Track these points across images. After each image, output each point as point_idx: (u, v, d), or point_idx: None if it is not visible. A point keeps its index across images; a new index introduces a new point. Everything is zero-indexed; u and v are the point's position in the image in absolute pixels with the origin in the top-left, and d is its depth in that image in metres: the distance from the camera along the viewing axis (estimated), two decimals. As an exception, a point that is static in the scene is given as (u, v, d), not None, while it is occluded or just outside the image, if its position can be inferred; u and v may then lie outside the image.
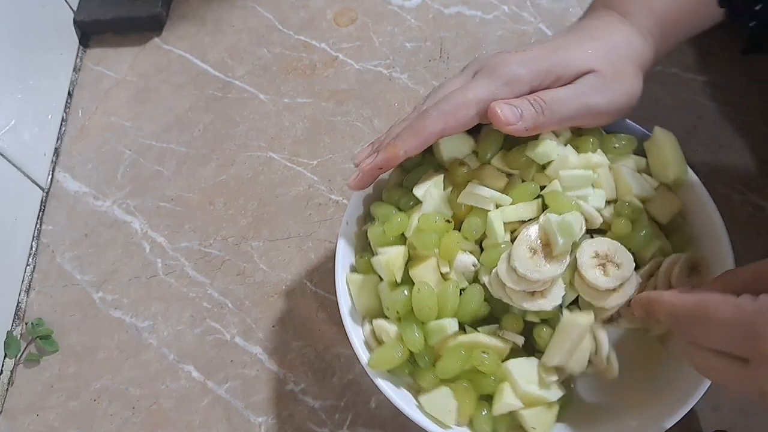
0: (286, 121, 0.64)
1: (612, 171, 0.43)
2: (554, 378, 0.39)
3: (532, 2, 0.66)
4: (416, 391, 0.42)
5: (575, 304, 0.40)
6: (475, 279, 0.41)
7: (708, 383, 0.37)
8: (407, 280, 0.42)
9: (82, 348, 0.55)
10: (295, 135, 0.63)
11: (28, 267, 0.59)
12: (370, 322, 0.43)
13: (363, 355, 0.42)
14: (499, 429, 0.40)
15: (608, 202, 0.42)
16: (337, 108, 0.63)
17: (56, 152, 0.66)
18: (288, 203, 0.59)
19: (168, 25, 0.72)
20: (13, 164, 0.59)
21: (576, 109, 0.40)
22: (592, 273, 0.38)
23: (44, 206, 0.63)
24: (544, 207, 0.42)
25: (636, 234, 0.40)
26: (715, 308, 0.30)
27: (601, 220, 0.40)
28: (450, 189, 0.43)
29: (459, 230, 0.41)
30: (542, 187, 0.42)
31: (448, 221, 0.41)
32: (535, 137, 0.42)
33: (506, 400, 0.38)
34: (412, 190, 0.43)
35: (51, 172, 0.64)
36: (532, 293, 0.38)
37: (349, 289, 0.44)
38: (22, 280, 0.59)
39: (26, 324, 0.57)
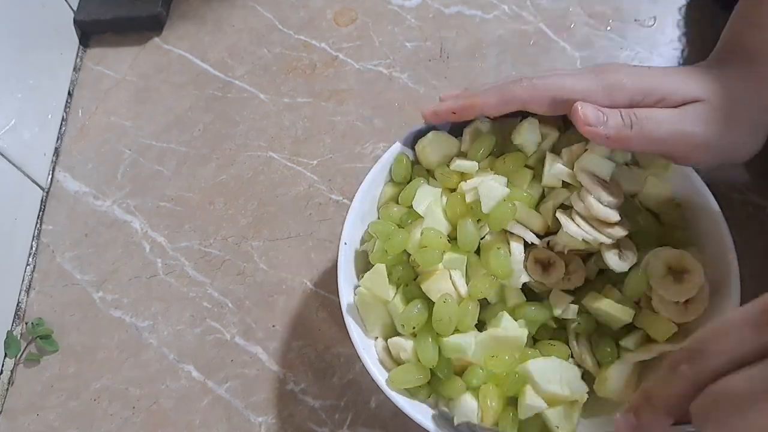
0: (286, 121, 0.64)
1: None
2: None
3: (532, 2, 0.66)
4: (435, 402, 0.42)
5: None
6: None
7: None
8: (419, 295, 0.42)
9: (82, 348, 0.55)
10: (295, 135, 0.63)
11: (28, 267, 0.59)
12: (384, 339, 0.43)
13: (380, 377, 0.41)
14: None
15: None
16: (337, 108, 0.63)
17: (56, 152, 0.66)
18: (288, 203, 0.59)
19: (168, 24, 0.72)
20: (13, 164, 0.59)
21: (669, 133, 0.37)
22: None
23: (44, 206, 0.63)
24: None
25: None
26: (720, 320, 0.28)
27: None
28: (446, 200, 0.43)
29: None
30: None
31: (450, 237, 0.42)
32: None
33: (529, 402, 0.38)
34: (411, 206, 0.43)
35: (51, 172, 0.64)
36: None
37: (357, 310, 0.44)
38: (22, 280, 0.59)
39: (26, 324, 0.57)
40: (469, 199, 0.42)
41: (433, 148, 0.44)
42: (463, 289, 0.41)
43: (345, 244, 0.44)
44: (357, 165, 0.60)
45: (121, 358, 0.54)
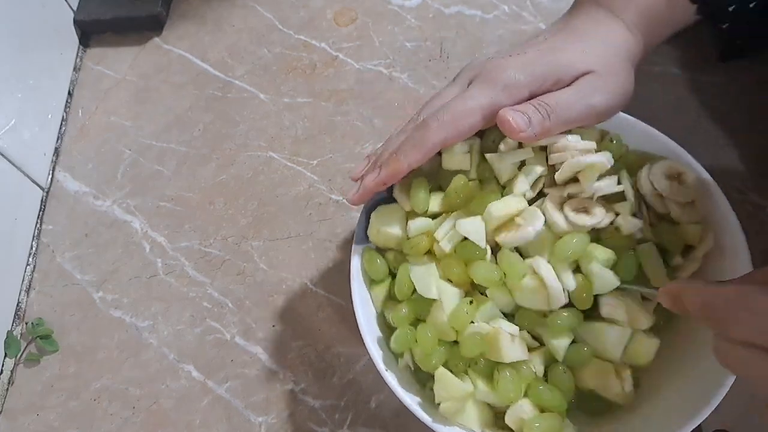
0: (286, 121, 0.64)
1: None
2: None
3: (532, 2, 0.66)
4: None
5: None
6: None
7: (720, 397, 0.37)
8: (492, 368, 0.41)
9: (82, 348, 0.55)
10: (295, 135, 0.63)
11: (28, 267, 0.59)
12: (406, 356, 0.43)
13: (424, 415, 0.40)
14: None
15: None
16: (337, 108, 0.63)
17: (56, 152, 0.66)
18: (288, 203, 0.59)
19: (168, 24, 0.72)
20: (13, 164, 0.59)
21: (580, 111, 0.40)
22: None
23: (44, 206, 0.63)
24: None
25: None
26: (753, 296, 0.29)
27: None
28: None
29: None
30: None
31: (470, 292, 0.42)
32: None
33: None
34: (413, 295, 0.42)
35: (51, 172, 0.64)
36: None
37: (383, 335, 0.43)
38: (22, 280, 0.59)
39: (26, 324, 0.57)
40: (449, 247, 0.41)
41: (384, 226, 0.43)
42: (526, 343, 0.40)
43: (387, 371, 0.42)
44: (357, 165, 0.60)
45: (121, 358, 0.54)
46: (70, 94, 0.69)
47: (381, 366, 0.41)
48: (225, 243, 0.58)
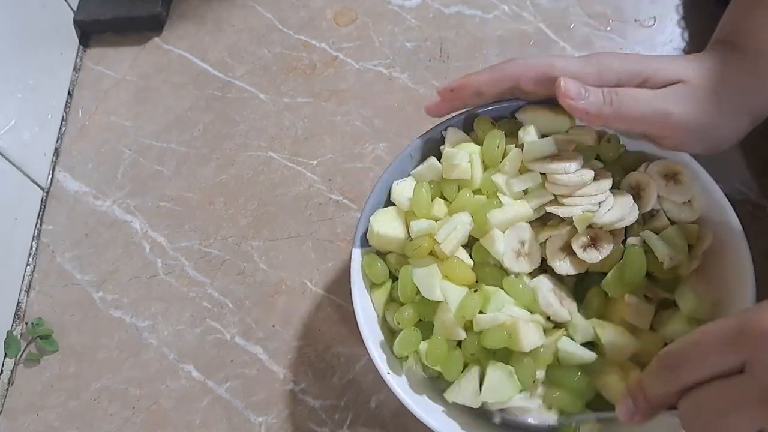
0: (286, 121, 0.64)
1: None
2: None
3: (532, 2, 0.66)
4: None
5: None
6: None
7: None
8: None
9: (82, 348, 0.55)
10: (295, 135, 0.63)
11: (28, 267, 0.59)
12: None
13: (429, 420, 0.40)
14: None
15: None
16: (337, 108, 0.63)
17: (56, 152, 0.66)
18: (288, 203, 0.59)
19: (168, 24, 0.72)
20: (13, 164, 0.59)
21: (647, 111, 0.38)
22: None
23: (44, 206, 0.63)
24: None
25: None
26: (702, 333, 0.30)
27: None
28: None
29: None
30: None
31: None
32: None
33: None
34: (416, 298, 0.42)
35: (51, 172, 0.64)
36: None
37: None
38: (22, 280, 0.59)
39: (26, 324, 0.57)
40: (451, 248, 0.41)
41: (384, 229, 0.43)
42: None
43: (388, 374, 0.41)
44: (357, 165, 0.60)
45: (121, 358, 0.54)
46: (70, 94, 0.69)
47: (383, 369, 0.41)
48: (225, 243, 0.58)
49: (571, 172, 0.40)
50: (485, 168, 0.44)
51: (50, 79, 0.67)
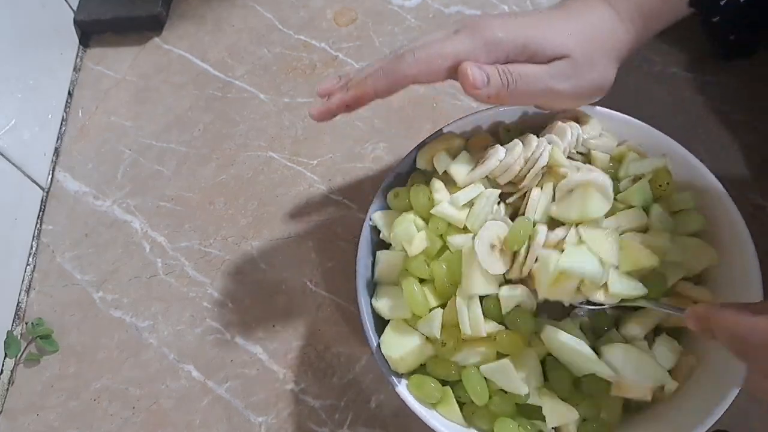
0: (286, 121, 0.64)
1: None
2: None
3: (532, 2, 0.66)
4: None
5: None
6: None
7: (734, 396, 0.37)
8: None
9: (82, 348, 0.55)
10: (295, 135, 0.63)
11: (28, 267, 0.59)
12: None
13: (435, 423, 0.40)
14: None
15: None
16: (337, 108, 0.63)
17: (56, 152, 0.66)
18: (288, 203, 0.59)
19: (168, 24, 0.72)
20: (13, 164, 0.59)
21: (541, 90, 0.41)
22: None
23: (44, 206, 0.63)
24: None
25: None
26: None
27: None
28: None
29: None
30: None
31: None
32: None
33: None
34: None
35: (51, 172, 0.64)
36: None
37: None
38: (22, 280, 0.59)
39: (26, 324, 0.57)
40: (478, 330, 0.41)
41: (397, 352, 0.42)
42: None
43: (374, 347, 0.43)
44: (357, 165, 0.60)
45: (121, 358, 0.54)
46: (70, 94, 0.69)
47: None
48: (225, 243, 0.58)
49: (503, 157, 0.42)
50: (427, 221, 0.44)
51: (50, 79, 0.67)
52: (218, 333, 0.54)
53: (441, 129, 0.47)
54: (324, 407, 0.50)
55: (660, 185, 0.43)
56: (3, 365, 0.55)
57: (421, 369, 0.43)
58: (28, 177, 0.61)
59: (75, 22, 0.71)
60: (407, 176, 0.48)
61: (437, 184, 0.44)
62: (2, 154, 0.57)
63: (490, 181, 0.44)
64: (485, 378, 0.40)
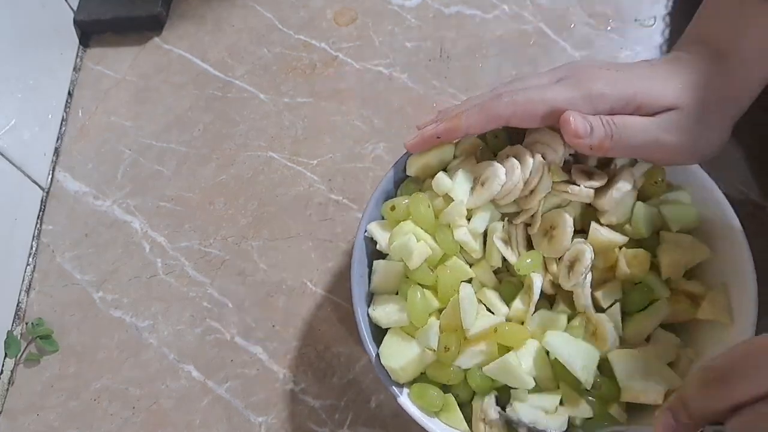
0: (286, 121, 0.64)
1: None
2: None
3: (532, 2, 0.66)
4: None
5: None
6: None
7: None
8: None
9: (82, 348, 0.55)
10: (295, 135, 0.63)
11: (28, 267, 0.59)
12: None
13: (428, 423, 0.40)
14: None
15: None
16: (337, 108, 0.63)
17: (56, 152, 0.66)
18: (288, 203, 0.59)
19: (168, 24, 0.72)
20: (13, 164, 0.59)
21: (645, 141, 0.39)
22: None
23: (44, 206, 0.63)
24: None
25: None
26: (753, 344, 0.29)
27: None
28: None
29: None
30: None
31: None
32: None
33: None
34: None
35: (51, 172, 0.64)
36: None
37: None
38: (22, 280, 0.59)
39: (26, 324, 0.57)
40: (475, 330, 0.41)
41: (396, 362, 0.42)
42: None
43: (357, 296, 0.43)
44: (357, 165, 0.60)
45: (121, 358, 0.54)
46: (70, 94, 0.69)
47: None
48: (225, 243, 0.58)
49: (504, 180, 0.41)
50: (428, 231, 0.43)
51: (50, 79, 0.67)
52: (218, 333, 0.54)
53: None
54: (324, 407, 0.50)
55: (655, 182, 0.43)
56: (3, 365, 0.55)
57: (422, 376, 0.43)
58: (28, 177, 0.61)
59: (75, 22, 0.71)
60: (398, 184, 0.47)
61: (442, 202, 0.43)
62: (2, 154, 0.57)
63: (492, 202, 0.43)
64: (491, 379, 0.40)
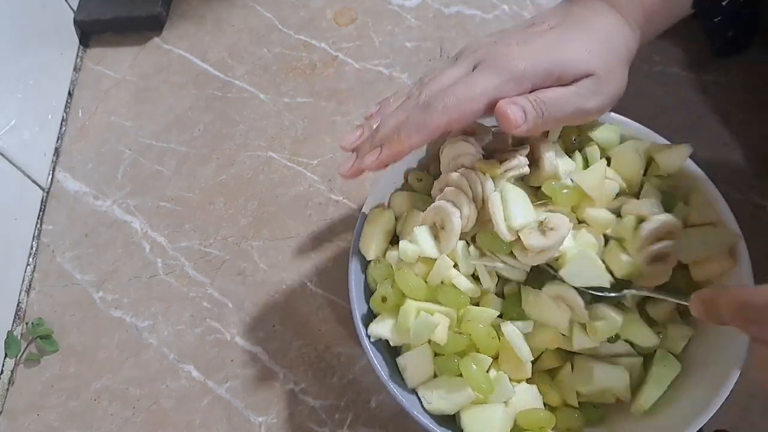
0: (286, 121, 0.64)
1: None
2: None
3: (532, 1, 0.66)
4: None
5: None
6: None
7: (726, 393, 0.38)
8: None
9: (83, 348, 0.55)
10: (295, 135, 0.63)
11: (28, 267, 0.59)
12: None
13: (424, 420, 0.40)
14: None
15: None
16: (337, 108, 0.63)
17: (56, 152, 0.66)
18: (288, 203, 0.59)
19: (168, 24, 0.72)
20: (14, 164, 0.59)
21: (573, 111, 0.40)
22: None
23: (44, 206, 0.63)
24: None
25: None
26: None
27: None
28: None
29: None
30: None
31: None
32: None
33: None
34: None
35: (51, 172, 0.64)
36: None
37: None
38: (23, 280, 0.59)
39: (26, 324, 0.57)
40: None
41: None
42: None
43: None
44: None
45: (121, 358, 0.54)
46: (70, 94, 0.69)
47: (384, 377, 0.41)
48: (225, 243, 0.58)
49: (455, 209, 0.41)
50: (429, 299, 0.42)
51: (50, 79, 0.67)
52: (218, 333, 0.54)
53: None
54: (324, 407, 0.50)
55: (573, 140, 0.45)
56: (3, 365, 0.55)
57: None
58: (28, 177, 0.61)
59: (75, 22, 0.71)
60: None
61: (423, 266, 0.42)
62: (2, 154, 0.57)
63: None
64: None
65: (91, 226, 0.61)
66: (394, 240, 0.46)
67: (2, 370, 0.55)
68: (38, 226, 0.62)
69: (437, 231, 0.42)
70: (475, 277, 0.42)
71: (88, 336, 0.56)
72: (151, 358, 0.54)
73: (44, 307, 0.57)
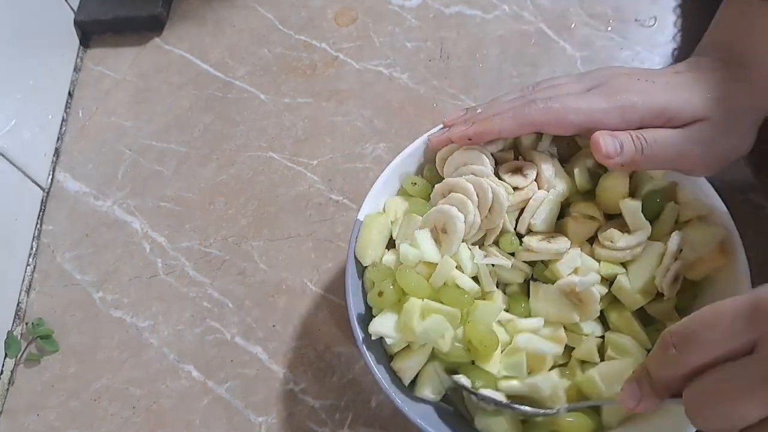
0: (286, 121, 0.64)
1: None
2: None
3: (532, 2, 0.66)
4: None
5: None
6: None
7: None
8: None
9: (83, 348, 0.55)
10: (295, 135, 0.63)
11: (28, 267, 0.59)
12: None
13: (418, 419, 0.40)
14: None
15: None
16: (337, 108, 0.63)
17: (56, 152, 0.66)
18: (288, 203, 0.59)
19: (168, 25, 0.72)
20: (14, 164, 0.59)
21: (675, 154, 0.39)
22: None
23: (44, 206, 0.63)
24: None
25: None
26: (710, 310, 0.29)
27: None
28: None
29: None
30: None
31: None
32: None
33: None
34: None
35: (51, 172, 0.64)
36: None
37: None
38: (23, 280, 0.59)
39: (26, 324, 0.57)
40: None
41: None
42: None
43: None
44: (357, 165, 0.60)
45: (121, 358, 0.54)
46: (70, 94, 0.69)
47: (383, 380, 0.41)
48: (225, 243, 0.58)
49: (460, 213, 0.41)
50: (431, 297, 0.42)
51: (50, 80, 0.67)
52: (218, 333, 0.54)
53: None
54: (324, 407, 0.50)
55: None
56: (3, 365, 0.55)
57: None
58: (29, 177, 0.61)
59: (75, 22, 0.71)
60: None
61: (424, 268, 0.42)
62: (2, 155, 0.57)
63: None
64: None
65: (92, 227, 0.61)
66: (389, 245, 0.46)
67: (2, 370, 0.55)
68: (38, 226, 0.62)
69: (437, 234, 0.42)
70: (475, 280, 0.42)
71: (88, 336, 0.56)
72: (151, 358, 0.54)
73: (44, 307, 0.57)
